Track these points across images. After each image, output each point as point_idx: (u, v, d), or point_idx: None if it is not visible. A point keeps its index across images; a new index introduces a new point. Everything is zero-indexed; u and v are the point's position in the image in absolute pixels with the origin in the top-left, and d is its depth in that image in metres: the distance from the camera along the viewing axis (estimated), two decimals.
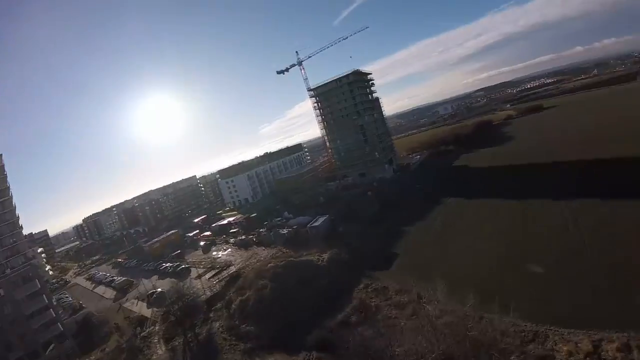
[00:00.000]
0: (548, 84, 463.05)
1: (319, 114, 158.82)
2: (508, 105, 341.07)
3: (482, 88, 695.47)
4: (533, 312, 48.98)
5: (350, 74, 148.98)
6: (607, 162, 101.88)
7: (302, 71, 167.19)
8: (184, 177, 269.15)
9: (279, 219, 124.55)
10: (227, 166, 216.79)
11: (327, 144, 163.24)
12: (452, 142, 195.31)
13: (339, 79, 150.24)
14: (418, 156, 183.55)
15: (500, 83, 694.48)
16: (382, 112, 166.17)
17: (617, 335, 40.62)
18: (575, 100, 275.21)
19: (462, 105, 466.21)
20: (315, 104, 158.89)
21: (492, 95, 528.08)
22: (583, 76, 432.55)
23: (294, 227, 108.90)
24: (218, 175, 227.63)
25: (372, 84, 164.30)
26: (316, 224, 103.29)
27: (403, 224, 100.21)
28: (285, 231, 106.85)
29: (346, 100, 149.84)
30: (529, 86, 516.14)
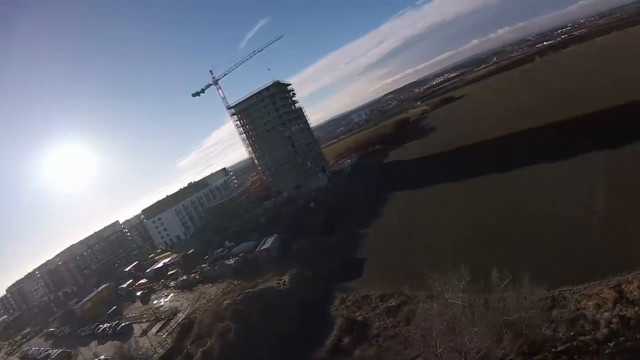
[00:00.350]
0: (452, 78, 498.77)
1: (242, 132, 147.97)
2: (419, 103, 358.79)
3: (391, 91, 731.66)
4: (535, 279, 43.90)
5: (270, 85, 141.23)
6: (520, 133, 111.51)
7: (219, 90, 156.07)
8: (107, 225, 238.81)
9: (220, 249, 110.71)
10: (150, 204, 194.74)
11: (256, 161, 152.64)
12: (377, 143, 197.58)
13: (260, 92, 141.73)
14: (348, 160, 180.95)
15: (407, 84, 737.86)
16: (307, 122, 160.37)
17: (631, 276, 39.78)
18: (481, 86, 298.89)
19: (375, 109, 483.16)
20: (238, 122, 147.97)
21: (402, 96, 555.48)
22: (483, 65, 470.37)
23: (240, 255, 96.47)
24: (143, 216, 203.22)
25: (294, 94, 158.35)
26: (265, 246, 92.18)
27: (358, 227, 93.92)
28: (231, 261, 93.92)
29: (269, 113, 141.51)
30: (434, 83, 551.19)
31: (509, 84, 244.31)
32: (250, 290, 70.11)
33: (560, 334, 36.76)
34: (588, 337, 35.48)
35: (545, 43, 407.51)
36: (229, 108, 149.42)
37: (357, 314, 53.92)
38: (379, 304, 53.73)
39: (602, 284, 40.91)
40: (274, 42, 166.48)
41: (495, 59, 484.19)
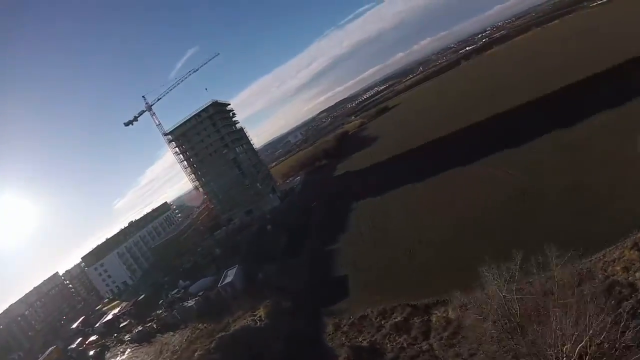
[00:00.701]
0: (382, 90, 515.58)
1: (182, 159, 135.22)
2: (353, 117, 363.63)
3: (324, 110, 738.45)
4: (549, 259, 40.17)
5: (209, 106, 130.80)
6: (460, 131, 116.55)
7: (154, 117, 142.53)
8: (46, 278, 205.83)
9: (175, 291, 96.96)
10: (89, 250, 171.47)
11: (201, 190, 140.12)
12: (322, 157, 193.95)
13: (198, 114, 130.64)
14: (297, 178, 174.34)
15: (339, 101, 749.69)
16: (250, 142, 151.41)
17: None
18: (413, 94, 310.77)
19: (310, 129, 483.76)
20: (177, 149, 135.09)
21: (335, 113, 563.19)
22: (411, 76, 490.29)
23: (200, 294, 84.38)
24: (83, 264, 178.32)
25: (234, 114, 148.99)
26: (227, 280, 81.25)
27: (326, 243, 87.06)
28: (191, 302, 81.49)
29: (210, 135, 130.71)
30: (365, 97, 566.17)
31: (439, 89, 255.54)
32: (223, 334, 59.53)
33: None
34: (631, 300, 32.84)
35: (467, 48, 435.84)
36: (165, 134, 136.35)
37: (360, 338, 46.35)
38: (382, 322, 46.78)
39: (619, 248, 39.07)
40: (210, 60, 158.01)
41: (421, 68, 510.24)
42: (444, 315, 42.02)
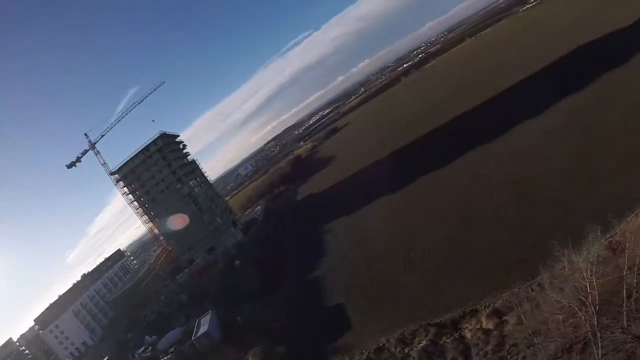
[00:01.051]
0: (328, 114, 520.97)
1: (132, 200, 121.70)
2: (302, 143, 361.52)
3: (272, 138, 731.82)
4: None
5: (157, 138, 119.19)
6: (418, 139, 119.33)
7: (98, 156, 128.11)
8: None
9: (142, 349, 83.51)
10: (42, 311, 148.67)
11: (156, 231, 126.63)
12: (281, 183, 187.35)
13: (146, 148, 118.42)
14: (258, 207, 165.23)
15: (286, 129, 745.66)
16: (204, 174, 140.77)
17: None
18: (359, 113, 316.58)
19: (260, 159, 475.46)
20: (126, 188, 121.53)
21: (283, 141, 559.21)
22: (353, 97, 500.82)
23: (171, 350, 72.62)
24: (37, 327, 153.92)
25: (185, 145, 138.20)
26: (202, 329, 70.38)
27: (306, 272, 79.96)
28: None
29: (161, 170, 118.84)
30: (311, 122, 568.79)
31: (384, 105, 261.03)
32: None
33: None
34: None
35: (405, 65, 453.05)
36: (112, 173, 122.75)
37: None
38: (406, 350, 40.31)
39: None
40: (155, 89, 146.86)
41: (362, 89, 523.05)
42: (478, 327, 36.78)
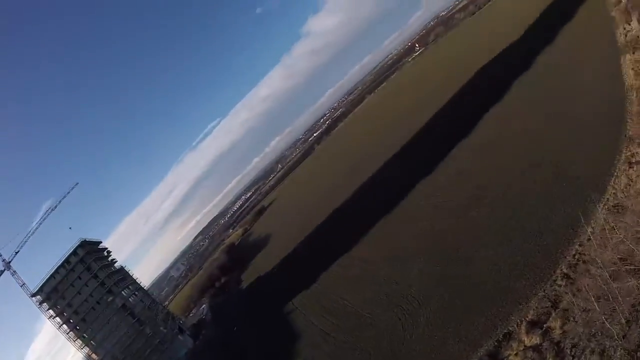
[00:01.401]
0: (250, 196, 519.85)
1: (60, 323, 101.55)
2: (231, 230, 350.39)
3: (199, 232, 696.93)
4: None
5: (77, 248, 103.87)
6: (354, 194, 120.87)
7: (16, 276, 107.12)
8: None
9: None
10: None
11: (94, 356, 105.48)
12: (221, 275, 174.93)
13: (67, 261, 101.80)
14: (203, 306, 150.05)
15: (211, 220, 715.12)
16: (136, 281, 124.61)
17: None
18: (284, 187, 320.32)
19: (191, 256, 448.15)
20: (51, 311, 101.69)
21: (211, 233, 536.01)
22: (272, 175, 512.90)
23: None
24: None
25: (109, 252, 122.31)
26: None
27: None
28: None
29: (87, 283, 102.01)
30: (236, 208, 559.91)
31: (306, 173, 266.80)
32: None
33: None
34: None
35: (315, 134, 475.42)
36: (33, 295, 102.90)
37: None
38: None
39: None
40: (69, 192, 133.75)
41: (280, 165, 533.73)
42: (522, 347, 33.92)
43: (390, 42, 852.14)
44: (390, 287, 60.85)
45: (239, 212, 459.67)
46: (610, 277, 30.22)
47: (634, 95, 50.28)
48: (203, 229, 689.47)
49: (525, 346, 33.55)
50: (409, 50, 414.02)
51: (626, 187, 39.42)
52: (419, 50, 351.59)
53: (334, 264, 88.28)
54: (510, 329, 36.26)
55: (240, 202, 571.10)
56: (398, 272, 62.92)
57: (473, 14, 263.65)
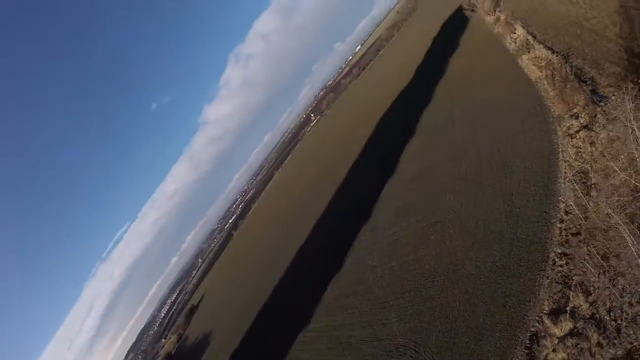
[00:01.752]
0: (176, 298, 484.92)
1: None
2: (163, 340, 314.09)
3: (129, 349, 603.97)
4: None
5: None
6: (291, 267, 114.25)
7: None
8: None
9: None
10: None
11: None
12: None
13: None
14: None
15: (140, 332, 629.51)
16: None
17: None
18: (210, 281, 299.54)
19: None
20: None
21: (142, 347, 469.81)
22: (194, 272, 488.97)
23: None
24: None
25: None
26: None
27: None
28: None
29: None
30: (163, 314, 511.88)
31: (232, 265, 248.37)
32: None
33: None
34: None
35: (230, 220, 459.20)
36: None
37: None
38: None
39: None
40: None
41: (200, 260, 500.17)
42: (556, 341, 30.39)
43: (286, 118, 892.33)
44: (372, 345, 53.28)
45: (167, 318, 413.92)
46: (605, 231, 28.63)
47: (545, 83, 54.20)
48: (133, 344, 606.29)
49: (559, 337, 29.56)
50: (306, 121, 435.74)
51: (578, 155, 40.11)
52: (315, 119, 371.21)
53: (295, 342, 77.26)
54: (533, 329, 32.55)
55: (167, 307, 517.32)
56: (374, 329, 55.32)
57: (358, 76, 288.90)
